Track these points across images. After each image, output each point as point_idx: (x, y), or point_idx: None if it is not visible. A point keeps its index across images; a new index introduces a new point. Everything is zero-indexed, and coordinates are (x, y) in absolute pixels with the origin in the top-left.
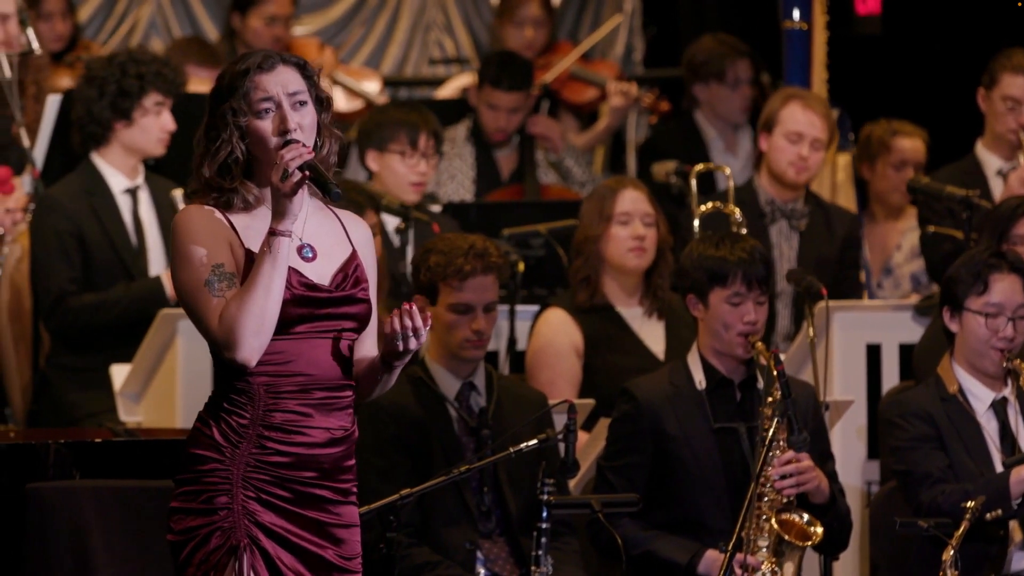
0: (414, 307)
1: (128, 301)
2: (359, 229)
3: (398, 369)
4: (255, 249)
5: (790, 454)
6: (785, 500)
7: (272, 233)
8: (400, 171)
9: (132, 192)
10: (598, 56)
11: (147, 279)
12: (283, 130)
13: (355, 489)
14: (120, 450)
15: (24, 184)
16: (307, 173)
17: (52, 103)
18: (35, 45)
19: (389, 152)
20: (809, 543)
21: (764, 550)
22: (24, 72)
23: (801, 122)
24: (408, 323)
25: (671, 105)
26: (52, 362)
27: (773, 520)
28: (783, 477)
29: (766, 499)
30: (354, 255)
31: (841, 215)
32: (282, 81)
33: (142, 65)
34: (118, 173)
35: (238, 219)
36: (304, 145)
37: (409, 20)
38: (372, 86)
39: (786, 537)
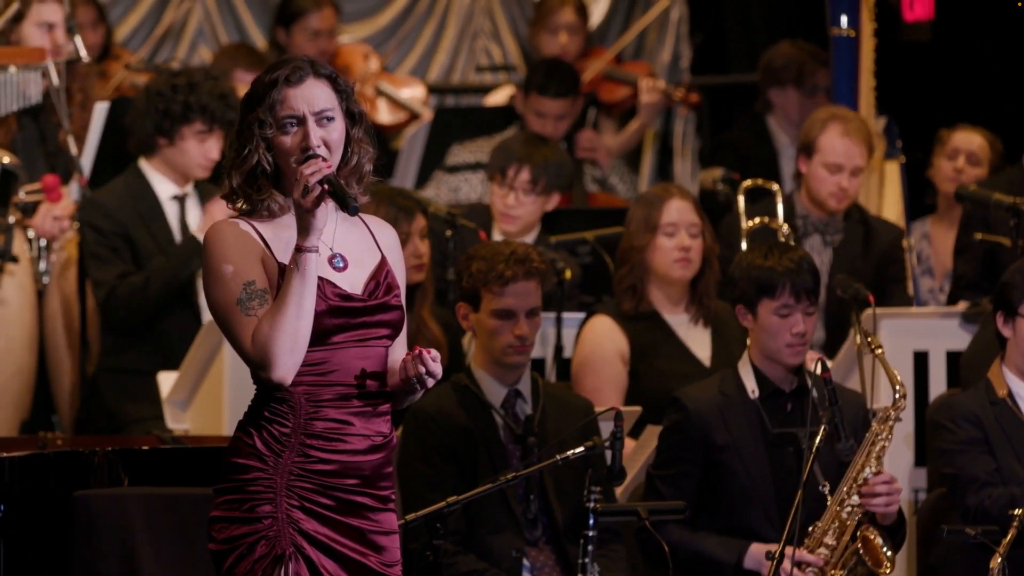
0: (422, 352)
1: (172, 266)
2: (386, 233)
3: (421, 391)
4: (287, 261)
5: (888, 475)
6: (860, 515)
7: (298, 250)
8: (494, 199)
9: (180, 199)
10: (645, 58)
11: (182, 242)
12: (304, 147)
13: (393, 496)
14: (167, 458)
15: (72, 192)
16: (326, 187)
17: (100, 111)
18: (82, 53)
19: (491, 180)
20: (879, 570)
21: (828, 551)
22: (71, 80)
23: (840, 153)
24: (421, 369)
25: (700, 96)
26: (103, 365)
27: (858, 532)
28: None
29: (847, 508)
30: (384, 261)
31: (885, 229)
32: (308, 97)
33: (191, 94)
34: (166, 180)
35: (267, 230)
36: (324, 160)
37: (456, 27)
38: (417, 94)
39: (861, 553)
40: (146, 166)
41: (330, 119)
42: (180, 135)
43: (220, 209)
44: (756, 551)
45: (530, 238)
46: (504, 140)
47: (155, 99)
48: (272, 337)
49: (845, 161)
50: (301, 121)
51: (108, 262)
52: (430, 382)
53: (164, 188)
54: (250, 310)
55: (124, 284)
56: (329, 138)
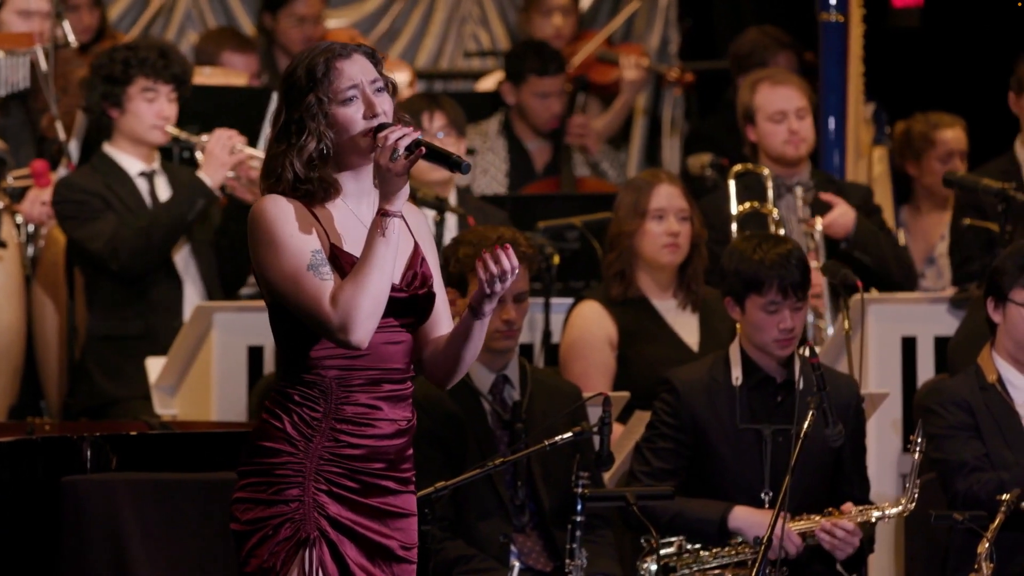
0: (499, 250)
1: (175, 207)
2: (414, 216)
3: (487, 319)
4: (333, 239)
5: (854, 528)
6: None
7: (385, 214)
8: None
9: (148, 176)
10: (635, 41)
11: (185, 184)
12: (371, 115)
13: (413, 477)
14: (155, 443)
15: (59, 177)
16: (422, 150)
17: None
18: (71, 38)
19: None
20: None
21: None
22: (56, 65)
23: (777, 100)
24: (505, 264)
25: (695, 76)
26: (89, 335)
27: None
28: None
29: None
30: (417, 249)
31: (853, 188)
32: (361, 68)
33: (130, 52)
34: (131, 158)
35: (316, 208)
36: (407, 124)
37: (444, 13)
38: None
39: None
40: (110, 148)
41: (380, 89)
42: (127, 97)
43: (220, 147)
44: (741, 512)
45: (452, 194)
46: (399, 105)
47: (99, 70)
48: (357, 298)
49: (786, 104)
50: (361, 91)
51: (98, 219)
52: (499, 287)
53: (131, 165)
54: (324, 275)
55: (125, 229)
56: (385, 107)
